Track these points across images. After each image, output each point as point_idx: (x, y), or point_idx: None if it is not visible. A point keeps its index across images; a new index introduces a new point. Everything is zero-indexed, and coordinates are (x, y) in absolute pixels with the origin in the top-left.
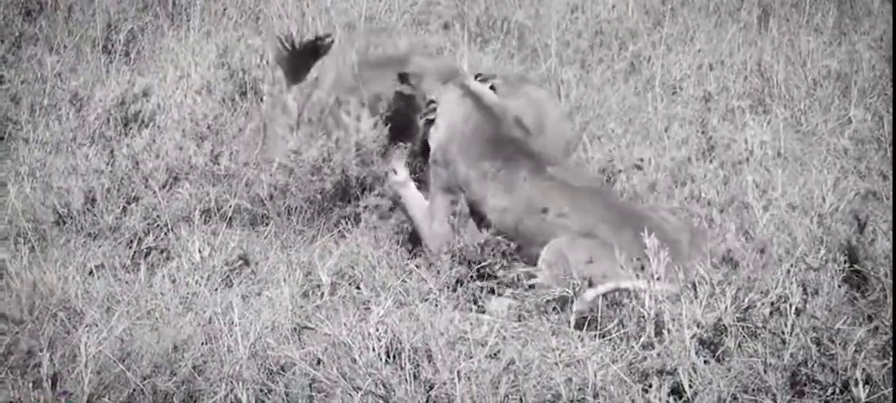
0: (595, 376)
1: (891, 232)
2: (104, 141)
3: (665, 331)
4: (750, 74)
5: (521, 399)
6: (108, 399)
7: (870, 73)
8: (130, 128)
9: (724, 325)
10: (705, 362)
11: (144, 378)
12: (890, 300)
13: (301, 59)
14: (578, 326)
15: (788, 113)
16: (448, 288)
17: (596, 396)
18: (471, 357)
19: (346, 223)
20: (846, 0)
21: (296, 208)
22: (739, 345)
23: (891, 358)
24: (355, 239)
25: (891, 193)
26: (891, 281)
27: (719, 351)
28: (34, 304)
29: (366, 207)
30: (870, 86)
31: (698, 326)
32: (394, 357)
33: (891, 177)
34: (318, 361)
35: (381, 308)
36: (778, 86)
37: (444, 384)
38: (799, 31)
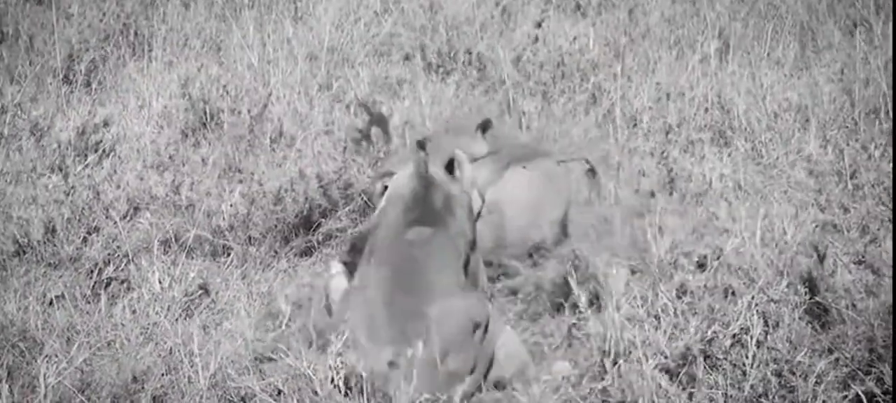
0: None
1: (851, 265)
2: (64, 171)
3: (622, 361)
4: (710, 107)
5: None
6: None
7: (830, 106)
8: (91, 158)
9: (691, 354)
10: (664, 394)
11: None
12: (851, 332)
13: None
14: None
15: (749, 145)
16: None
17: None
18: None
19: (309, 253)
20: (807, 33)
21: (257, 238)
22: (699, 378)
23: (851, 390)
24: (315, 267)
25: (851, 225)
26: (852, 314)
27: (681, 380)
28: None
29: (324, 235)
30: (830, 119)
31: (663, 356)
32: (351, 389)
33: (851, 209)
34: (279, 392)
35: (339, 340)
36: (738, 119)
37: None
38: (760, 64)
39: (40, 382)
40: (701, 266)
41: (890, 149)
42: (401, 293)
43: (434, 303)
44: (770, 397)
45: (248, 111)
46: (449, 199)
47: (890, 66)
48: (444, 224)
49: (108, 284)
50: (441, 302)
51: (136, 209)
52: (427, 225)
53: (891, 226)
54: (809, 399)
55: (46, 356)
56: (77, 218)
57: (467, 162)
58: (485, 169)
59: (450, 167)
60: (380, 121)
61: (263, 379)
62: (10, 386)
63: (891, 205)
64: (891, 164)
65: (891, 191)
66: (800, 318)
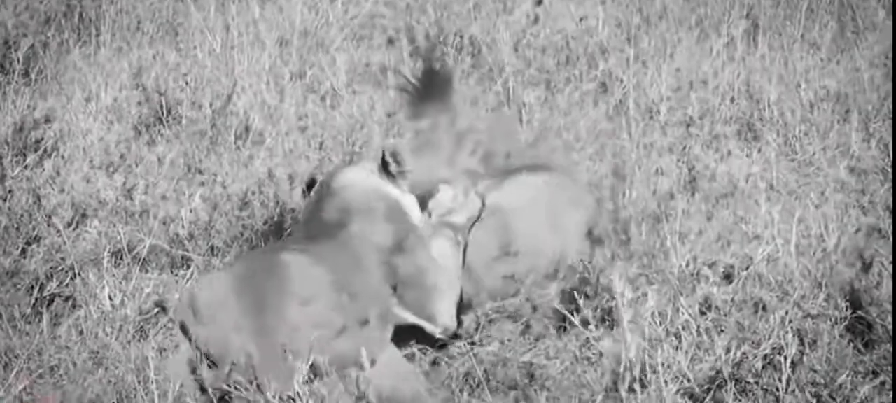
0: None
1: None
2: (0, 173)
3: (639, 386)
4: (737, 96)
5: None
6: None
7: (873, 95)
8: (31, 158)
9: (719, 378)
10: None
11: None
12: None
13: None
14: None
15: (781, 140)
16: None
17: None
18: None
19: None
20: (846, 11)
21: (220, 247)
22: None
23: None
24: None
25: None
26: None
27: None
28: None
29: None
30: (873, 110)
31: (686, 380)
32: None
33: None
34: None
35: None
36: (769, 110)
37: None
38: (792, 47)
39: None
40: (727, 277)
41: None
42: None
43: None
44: None
45: (210, 104)
46: (346, 211)
47: None
48: (334, 236)
49: (50, 301)
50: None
51: (83, 216)
52: (314, 239)
53: None
54: None
55: None
56: (15, 226)
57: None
58: (486, 180)
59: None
60: (440, 78)
61: None
62: None
63: None
64: None
65: None
66: (840, 336)
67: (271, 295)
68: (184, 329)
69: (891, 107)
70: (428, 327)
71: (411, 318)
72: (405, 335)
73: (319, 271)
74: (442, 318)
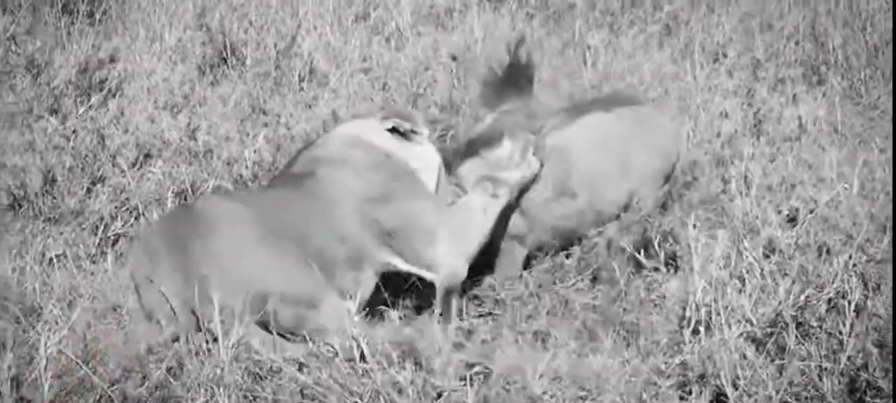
0: (618, 382)
1: None
2: (64, 113)
3: (703, 329)
4: (802, 39)
5: None
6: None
7: None
8: (95, 99)
9: (781, 322)
10: (750, 366)
11: (113, 383)
12: None
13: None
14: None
15: (846, 83)
16: None
17: None
18: (473, 366)
19: None
20: None
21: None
22: (790, 348)
23: None
24: None
25: None
26: None
27: (769, 351)
28: None
29: None
30: None
31: (749, 323)
32: (397, 361)
33: None
34: (300, 366)
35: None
36: (834, 53)
37: (455, 391)
38: None
39: (40, 352)
40: (792, 220)
41: None
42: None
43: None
44: (870, 370)
45: (274, 45)
46: (317, 160)
47: None
48: (295, 185)
49: (115, 241)
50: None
51: (147, 156)
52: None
53: None
54: None
55: (46, 322)
56: (80, 166)
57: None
58: (557, 116)
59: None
60: (524, 71)
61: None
62: (5, 357)
63: None
64: None
65: None
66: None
67: (186, 240)
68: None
69: None
70: (427, 275)
71: (403, 266)
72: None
73: (240, 214)
74: (443, 266)
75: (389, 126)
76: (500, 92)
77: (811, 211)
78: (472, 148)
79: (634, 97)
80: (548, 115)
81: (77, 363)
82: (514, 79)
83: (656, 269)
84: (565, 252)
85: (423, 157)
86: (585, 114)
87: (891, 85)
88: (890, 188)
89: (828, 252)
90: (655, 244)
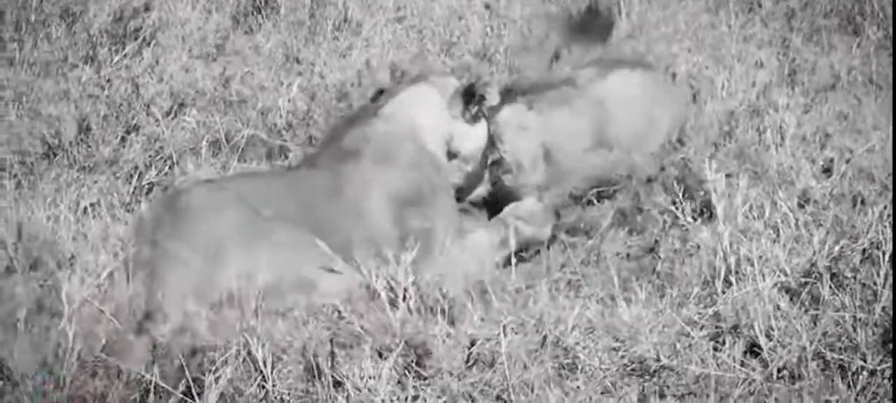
0: (650, 332)
1: None
2: (99, 62)
3: (734, 279)
4: None
5: (570, 364)
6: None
7: None
8: (129, 47)
9: (815, 272)
10: (784, 317)
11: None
12: None
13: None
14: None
15: (882, 33)
16: None
17: (657, 359)
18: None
19: None
20: None
21: (318, 138)
22: (824, 299)
23: None
24: None
25: None
26: None
27: (803, 302)
28: (19, 247)
29: None
30: None
31: (783, 274)
32: (429, 309)
33: None
34: (340, 314)
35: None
36: (870, 3)
37: (489, 340)
38: None
39: (64, 302)
40: (826, 171)
41: None
42: None
43: None
44: None
45: None
46: (366, 141)
47: None
48: (332, 167)
49: (149, 190)
50: None
51: (181, 105)
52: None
53: None
54: None
55: (79, 271)
56: (114, 115)
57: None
58: (589, 69)
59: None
60: (602, 21)
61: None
62: (36, 306)
63: None
64: None
65: None
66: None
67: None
68: None
69: None
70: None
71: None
72: None
73: (220, 200)
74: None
75: (464, 104)
76: (577, 37)
77: (847, 161)
78: (512, 93)
79: (644, 59)
80: (578, 66)
81: (100, 309)
82: (591, 26)
83: (693, 219)
84: (593, 202)
85: (475, 139)
86: (616, 70)
87: None
88: None
89: (863, 202)
90: (681, 194)
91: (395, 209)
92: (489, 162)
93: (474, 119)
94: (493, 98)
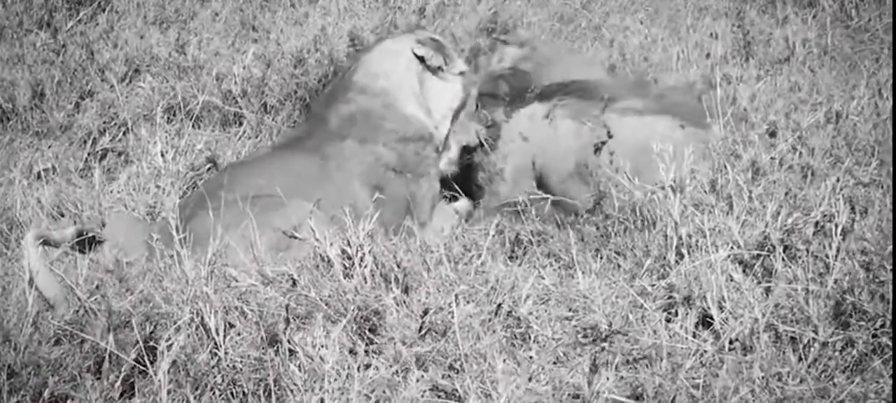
0: (603, 303)
1: None
2: (54, 26)
3: (687, 251)
4: None
5: (523, 333)
6: (54, 319)
7: None
8: (84, 13)
9: (768, 244)
10: (736, 289)
11: (90, 294)
12: None
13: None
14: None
15: (837, 5)
16: None
17: (610, 328)
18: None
19: None
20: None
21: (274, 105)
22: (776, 271)
23: None
24: None
25: None
26: None
27: (756, 274)
28: None
29: None
30: None
31: (736, 245)
32: (383, 278)
33: None
34: (293, 282)
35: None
36: None
37: (441, 309)
38: None
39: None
40: (772, 135)
41: None
42: None
43: None
44: (857, 293)
45: None
46: (352, 122)
47: None
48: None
49: (103, 156)
50: None
51: (136, 71)
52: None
53: None
54: None
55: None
56: (68, 80)
57: None
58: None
59: None
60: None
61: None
62: None
63: None
64: None
65: None
66: (892, 204)
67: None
68: None
69: None
70: None
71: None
72: None
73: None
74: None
75: (420, 53)
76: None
77: (798, 135)
78: (542, 94)
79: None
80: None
81: (60, 277)
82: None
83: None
84: None
85: (447, 96)
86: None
87: (881, 8)
88: (879, 110)
89: (813, 174)
90: None
91: (381, 181)
92: (470, 147)
93: (441, 77)
94: (454, 66)
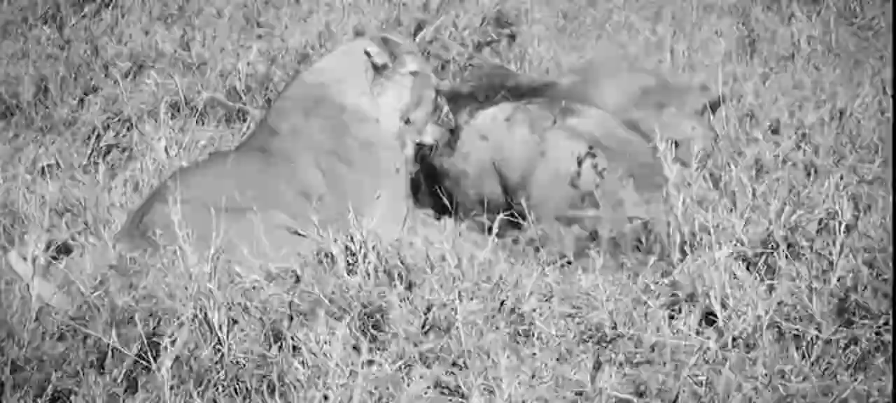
0: (607, 300)
1: None
2: (59, 22)
3: (690, 249)
4: None
5: (526, 330)
6: (58, 316)
7: None
8: (89, 8)
9: (771, 241)
10: (739, 286)
11: (93, 290)
12: None
13: None
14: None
15: (842, 3)
16: None
17: (613, 325)
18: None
19: None
20: None
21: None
22: (779, 268)
23: None
24: None
25: None
26: None
27: (759, 271)
28: None
29: None
30: None
31: (739, 243)
32: (386, 274)
33: None
34: (297, 278)
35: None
36: None
37: (444, 306)
38: None
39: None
40: (775, 132)
41: None
42: None
43: None
44: (860, 290)
45: None
46: (284, 115)
47: None
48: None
49: (107, 152)
50: None
51: (141, 67)
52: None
53: None
54: None
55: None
56: (73, 76)
57: None
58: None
59: None
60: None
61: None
62: None
63: None
64: None
65: None
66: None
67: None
68: None
69: None
70: None
71: None
72: None
73: None
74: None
75: (367, 51)
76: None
77: (802, 134)
78: (509, 95)
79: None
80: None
81: (64, 272)
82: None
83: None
84: None
85: (391, 93)
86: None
87: (885, 5)
88: (884, 108)
89: (816, 171)
90: None
91: (322, 165)
92: (425, 144)
93: (387, 75)
94: (402, 66)
